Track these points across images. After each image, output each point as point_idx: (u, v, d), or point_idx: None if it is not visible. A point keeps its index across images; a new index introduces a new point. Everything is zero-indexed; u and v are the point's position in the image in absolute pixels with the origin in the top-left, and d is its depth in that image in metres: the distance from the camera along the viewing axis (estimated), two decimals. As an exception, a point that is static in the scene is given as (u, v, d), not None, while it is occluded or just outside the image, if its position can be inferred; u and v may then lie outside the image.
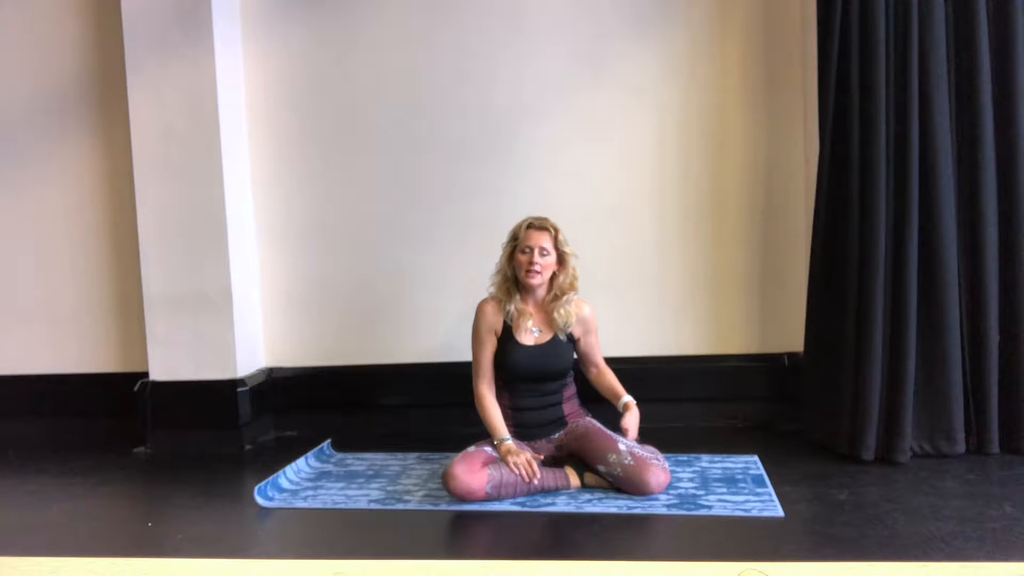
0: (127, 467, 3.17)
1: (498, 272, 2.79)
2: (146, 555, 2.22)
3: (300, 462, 2.96)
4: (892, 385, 2.73)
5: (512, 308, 2.72)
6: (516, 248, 2.72)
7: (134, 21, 3.28)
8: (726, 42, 3.27)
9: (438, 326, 3.45)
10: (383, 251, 3.48)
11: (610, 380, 2.83)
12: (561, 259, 2.72)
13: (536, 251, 2.67)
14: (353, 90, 3.44)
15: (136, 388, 3.40)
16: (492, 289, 2.79)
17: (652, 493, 2.50)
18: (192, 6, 3.23)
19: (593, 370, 2.86)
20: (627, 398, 2.76)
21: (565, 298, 2.72)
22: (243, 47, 3.46)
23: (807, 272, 3.05)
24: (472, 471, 2.51)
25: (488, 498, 2.50)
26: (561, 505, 2.48)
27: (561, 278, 2.73)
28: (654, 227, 3.34)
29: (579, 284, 2.76)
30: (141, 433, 3.38)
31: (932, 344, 2.73)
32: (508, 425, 2.69)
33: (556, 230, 2.71)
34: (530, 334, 2.72)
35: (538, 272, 2.67)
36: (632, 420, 2.68)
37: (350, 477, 2.86)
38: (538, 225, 2.71)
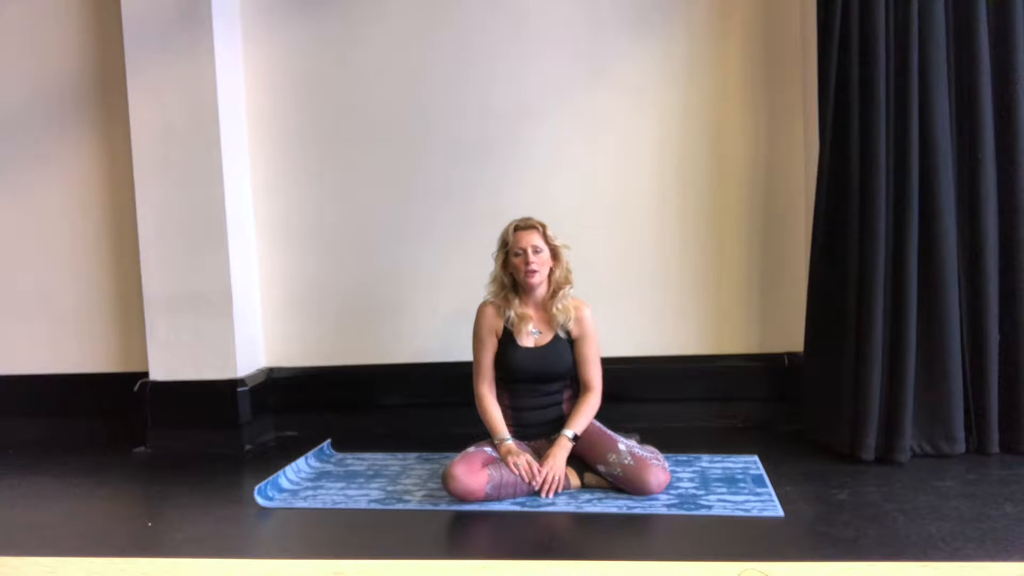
0: (127, 467, 3.17)
1: (493, 281, 2.77)
2: (146, 555, 2.22)
3: (300, 462, 2.96)
4: (892, 385, 2.73)
5: (512, 314, 2.72)
6: (508, 254, 2.71)
7: (134, 21, 3.28)
8: (726, 42, 3.27)
9: (438, 326, 3.45)
10: (383, 251, 3.48)
11: (579, 406, 2.66)
12: (554, 253, 2.72)
13: (529, 251, 2.66)
14: (353, 90, 3.44)
15: (136, 388, 3.41)
16: (489, 298, 2.78)
17: (652, 493, 2.50)
18: (192, 6, 3.23)
19: (582, 390, 2.71)
20: (566, 431, 2.61)
21: (561, 293, 2.72)
22: (243, 47, 3.46)
23: (807, 272, 3.05)
24: (472, 471, 2.51)
25: (488, 498, 2.50)
26: (561, 505, 2.48)
27: (557, 272, 2.72)
28: (654, 227, 3.34)
29: (574, 277, 2.75)
30: (141, 433, 3.39)
31: (932, 344, 2.73)
32: (508, 425, 2.69)
33: (543, 226, 2.71)
34: (531, 336, 2.72)
35: (536, 271, 2.67)
36: (552, 460, 2.54)
37: (350, 477, 2.86)
38: (525, 225, 2.71)
